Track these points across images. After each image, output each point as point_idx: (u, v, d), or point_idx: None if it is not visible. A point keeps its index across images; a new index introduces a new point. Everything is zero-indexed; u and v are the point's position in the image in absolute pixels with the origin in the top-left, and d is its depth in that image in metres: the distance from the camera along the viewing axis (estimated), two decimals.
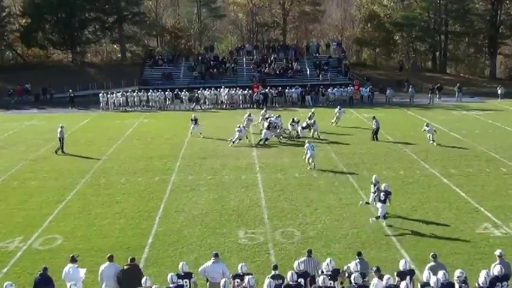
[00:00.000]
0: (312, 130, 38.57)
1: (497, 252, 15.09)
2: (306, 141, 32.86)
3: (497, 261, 14.65)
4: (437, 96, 58.25)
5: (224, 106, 56.52)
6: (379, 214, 21.62)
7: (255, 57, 71.37)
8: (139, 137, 40.04)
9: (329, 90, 57.41)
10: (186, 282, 14.41)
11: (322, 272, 14.49)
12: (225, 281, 13.70)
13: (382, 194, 21.57)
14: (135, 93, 57.64)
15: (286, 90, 57.19)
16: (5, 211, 24.41)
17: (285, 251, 19.41)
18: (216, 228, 21.71)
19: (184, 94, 56.72)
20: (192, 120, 40.28)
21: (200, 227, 21.91)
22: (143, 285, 13.90)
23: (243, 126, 37.40)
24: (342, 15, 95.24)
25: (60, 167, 31.96)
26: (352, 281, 13.87)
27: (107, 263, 15.38)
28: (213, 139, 38.79)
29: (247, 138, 37.83)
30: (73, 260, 15.52)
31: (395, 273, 14.31)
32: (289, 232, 21.24)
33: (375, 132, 37.37)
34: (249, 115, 40.45)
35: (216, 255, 15.41)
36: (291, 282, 13.90)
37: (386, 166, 30.65)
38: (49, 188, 27.65)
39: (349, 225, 21.77)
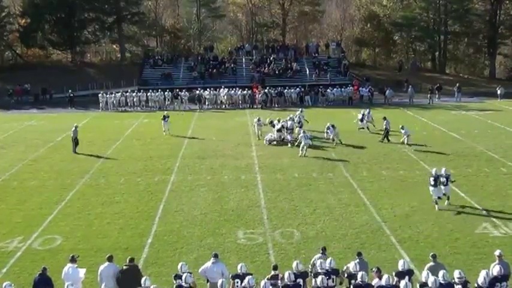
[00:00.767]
0: (286, 131, 37.51)
1: (497, 252, 15.09)
2: (302, 131, 33.20)
3: (497, 262, 14.65)
4: (437, 96, 58.27)
5: (223, 106, 56.53)
6: (447, 194, 23.89)
7: (255, 57, 71.42)
8: (138, 137, 40.05)
9: (328, 90, 57.45)
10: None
11: (319, 272, 14.46)
12: (222, 281, 13.72)
13: (443, 179, 23.64)
14: (134, 94, 57.67)
15: (286, 90, 57.18)
16: (5, 211, 24.42)
17: (284, 251, 19.40)
18: (216, 229, 21.72)
19: (184, 94, 56.74)
20: (164, 117, 41.06)
21: (200, 227, 21.91)
22: (142, 286, 13.89)
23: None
24: (341, 15, 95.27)
25: (59, 167, 31.97)
26: (359, 278, 13.85)
27: (106, 263, 15.38)
28: (213, 140, 38.83)
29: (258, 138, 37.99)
30: (73, 260, 15.53)
31: (393, 274, 14.32)
32: (289, 232, 21.24)
33: (386, 134, 36.85)
34: (258, 120, 38.87)
35: (216, 256, 15.43)
36: (288, 283, 13.91)
37: (385, 166, 30.65)
38: (48, 188, 27.66)
39: (349, 226, 21.77)
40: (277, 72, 66.87)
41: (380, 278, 14.04)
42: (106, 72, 72.18)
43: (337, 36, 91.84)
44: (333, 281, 14.31)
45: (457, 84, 60.40)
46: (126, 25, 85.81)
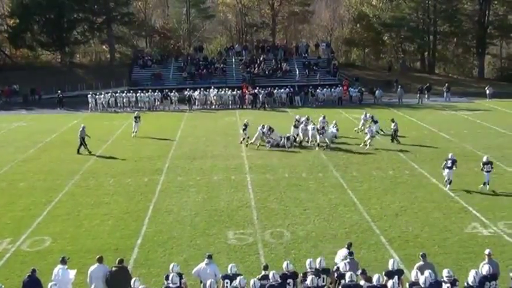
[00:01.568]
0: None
1: (486, 251, 15.15)
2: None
3: (486, 261, 14.70)
4: (426, 96, 58.48)
5: (213, 107, 56.47)
6: (449, 179, 26.20)
7: (244, 57, 71.33)
8: (128, 138, 39.94)
9: (318, 90, 57.53)
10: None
11: (307, 272, 14.46)
12: (211, 282, 13.74)
13: (449, 161, 26.10)
14: (124, 94, 57.52)
15: (275, 90, 57.18)
16: None
17: (274, 252, 19.39)
18: (206, 229, 21.68)
19: (174, 95, 56.64)
20: (135, 117, 40.82)
21: (189, 228, 21.87)
22: (132, 287, 13.84)
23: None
24: (331, 15, 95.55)
25: (48, 168, 31.84)
26: (348, 279, 13.84)
27: (96, 265, 15.31)
28: (203, 140, 38.81)
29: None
30: (63, 261, 15.45)
31: (383, 273, 14.34)
32: (279, 232, 21.23)
33: (395, 135, 36.56)
34: (262, 127, 36.81)
35: (210, 257, 15.39)
36: (273, 283, 13.93)
37: (375, 166, 30.71)
38: (38, 189, 27.53)
39: (339, 226, 21.79)
40: (267, 72, 66.85)
41: (367, 280, 14.03)
42: (95, 72, 72.02)
43: (327, 37, 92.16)
44: (323, 281, 14.33)
45: (446, 84, 60.61)
46: (116, 26, 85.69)
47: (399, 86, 58.84)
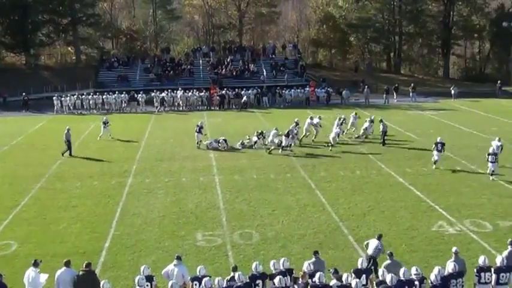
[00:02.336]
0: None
1: (454, 249, 15.32)
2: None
3: (452, 259, 14.86)
4: (395, 96, 59.06)
5: (181, 108, 56.28)
6: (437, 159, 29.87)
7: (212, 59, 71.19)
8: (95, 140, 39.56)
9: (285, 91, 57.70)
10: (147, 285, 14.29)
11: (273, 274, 14.50)
12: (172, 284, 13.80)
13: (439, 145, 29.67)
14: (90, 96, 56.97)
15: (243, 91, 57.17)
16: None
17: (243, 253, 19.41)
18: (174, 231, 21.61)
19: (140, 96, 56.30)
20: (103, 122, 40.19)
21: (158, 230, 21.79)
22: None
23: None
24: (297, 16, 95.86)
25: (14, 171, 31.42)
26: (317, 280, 13.89)
27: (63, 268, 15.15)
28: (171, 142, 38.66)
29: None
30: (35, 264, 15.25)
31: (351, 271, 14.44)
32: (248, 233, 21.25)
33: (384, 136, 36.43)
34: (261, 133, 36.58)
35: (179, 258, 15.35)
36: (240, 284, 13.96)
37: (343, 166, 30.91)
38: (3, 193, 27.15)
39: (307, 226, 21.89)
40: (234, 73, 66.81)
41: (338, 279, 14.11)
42: (61, 74, 71.16)
43: (294, 38, 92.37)
44: (290, 280, 14.40)
45: (412, 85, 61.20)
46: (81, 27, 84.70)
47: (366, 87, 59.22)
